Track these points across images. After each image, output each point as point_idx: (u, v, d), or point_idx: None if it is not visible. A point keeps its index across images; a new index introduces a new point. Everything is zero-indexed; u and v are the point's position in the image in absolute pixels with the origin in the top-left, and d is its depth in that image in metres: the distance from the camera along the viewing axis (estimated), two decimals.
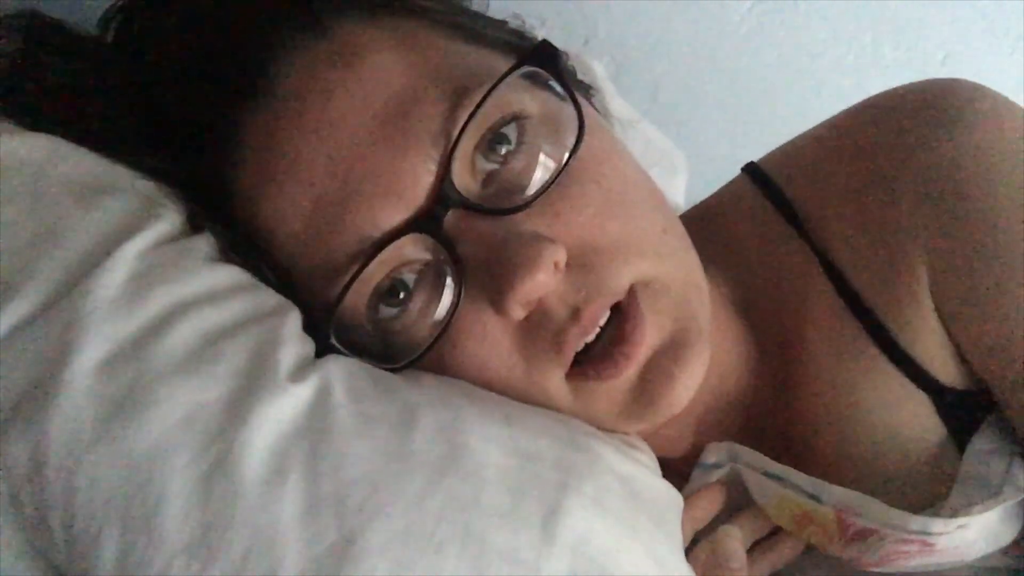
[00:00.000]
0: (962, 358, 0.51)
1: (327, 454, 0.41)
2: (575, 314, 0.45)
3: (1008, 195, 0.48)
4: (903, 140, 0.52)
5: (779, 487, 0.54)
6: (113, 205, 0.46)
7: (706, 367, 0.48)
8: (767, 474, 0.54)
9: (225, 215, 0.49)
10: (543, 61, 0.48)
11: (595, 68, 1.11)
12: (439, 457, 0.42)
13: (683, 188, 1.12)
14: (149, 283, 0.43)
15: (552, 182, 0.46)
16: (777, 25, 1.29)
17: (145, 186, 0.48)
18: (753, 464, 0.55)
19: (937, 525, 0.49)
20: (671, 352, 0.47)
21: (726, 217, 0.61)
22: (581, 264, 0.46)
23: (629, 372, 0.46)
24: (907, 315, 0.51)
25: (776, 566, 0.56)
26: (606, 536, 0.43)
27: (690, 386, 0.47)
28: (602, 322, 0.46)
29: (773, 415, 0.57)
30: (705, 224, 0.61)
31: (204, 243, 0.47)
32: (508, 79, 0.46)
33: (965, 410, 0.51)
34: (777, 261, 0.57)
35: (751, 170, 0.60)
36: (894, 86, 0.57)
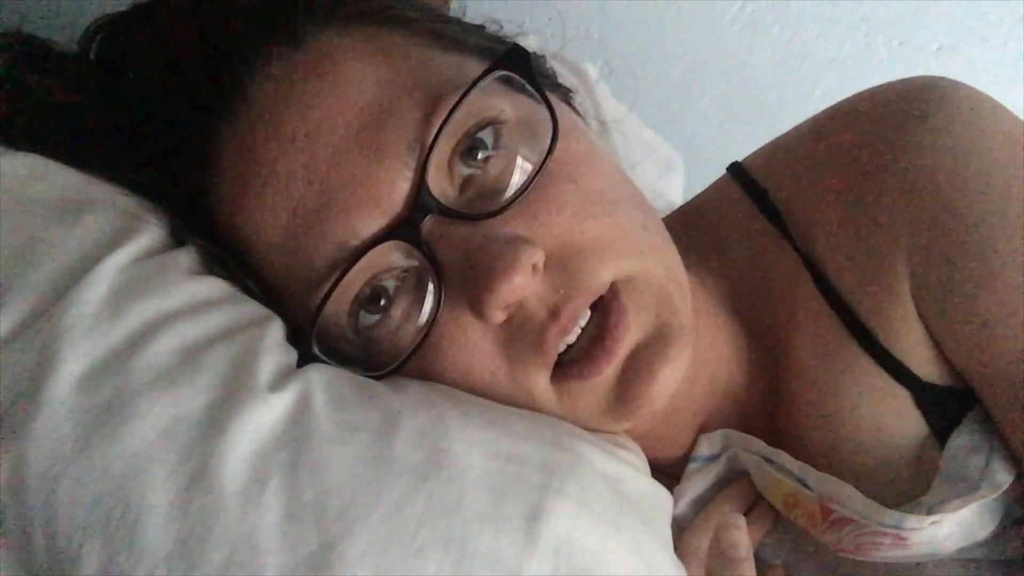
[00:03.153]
0: (943, 355, 0.51)
1: (307, 462, 0.41)
2: (554, 314, 0.45)
3: (986, 193, 0.48)
4: (882, 141, 0.52)
5: (772, 469, 0.54)
6: (94, 221, 0.46)
7: (687, 363, 0.48)
8: (761, 456, 0.55)
9: (207, 228, 0.49)
10: (514, 65, 0.48)
11: (588, 70, 1.11)
12: (421, 462, 0.42)
13: (680, 187, 1.13)
14: (129, 297, 0.44)
15: (528, 184, 0.46)
16: (769, 23, 1.30)
17: (127, 201, 0.48)
18: (749, 447, 0.56)
19: (910, 521, 0.49)
20: (652, 348, 0.47)
21: (712, 218, 0.61)
22: (560, 264, 0.46)
23: (610, 368, 0.46)
24: (888, 313, 0.51)
25: (755, 542, 0.56)
26: (590, 536, 0.43)
27: (671, 381, 0.47)
28: (583, 321, 0.46)
29: (763, 414, 0.57)
30: (691, 225, 0.61)
31: (186, 256, 0.48)
32: (482, 84, 0.47)
33: (946, 406, 0.51)
34: (763, 262, 0.57)
35: (735, 170, 0.61)
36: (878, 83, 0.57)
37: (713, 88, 1.37)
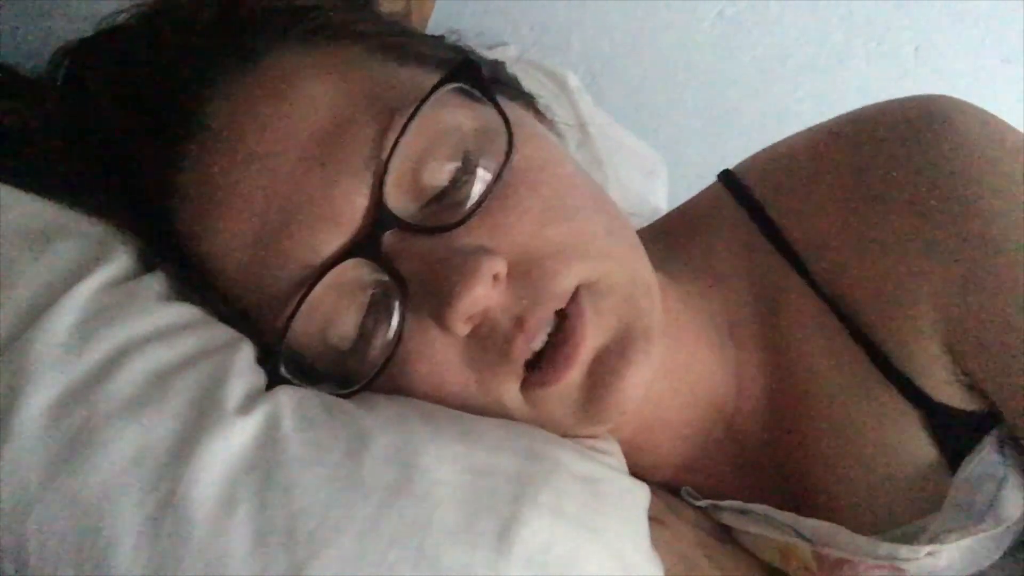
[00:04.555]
0: (961, 377, 0.51)
1: (276, 485, 0.41)
2: (519, 323, 0.45)
3: (997, 212, 0.48)
4: (891, 164, 0.52)
5: (759, 526, 0.54)
6: (63, 249, 0.46)
7: (655, 364, 0.48)
8: (743, 511, 0.55)
9: (174, 252, 0.49)
10: (465, 76, 0.48)
11: (569, 78, 1.11)
12: (391, 480, 0.42)
13: (663, 191, 1.13)
14: (98, 325, 0.44)
15: (486, 195, 0.46)
16: (749, 27, 1.30)
17: (95, 229, 0.48)
18: (731, 507, 0.56)
19: (904, 551, 0.49)
20: (617, 350, 0.47)
21: (701, 226, 0.61)
22: (523, 273, 0.46)
23: (574, 373, 0.46)
24: (901, 331, 0.51)
25: None
26: (565, 543, 0.43)
27: (638, 383, 0.47)
28: (549, 327, 0.46)
29: (762, 431, 0.57)
30: (679, 232, 0.61)
31: (155, 282, 0.48)
32: (436, 96, 0.47)
33: (960, 429, 0.51)
34: (757, 274, 0.57)
35: (728, 180, 0.60)
36: (871, 100, 0.56)
37: (694, 92, 1.37)
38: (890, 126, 0.53)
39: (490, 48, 1.26)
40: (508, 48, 1.25)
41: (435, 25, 1.19)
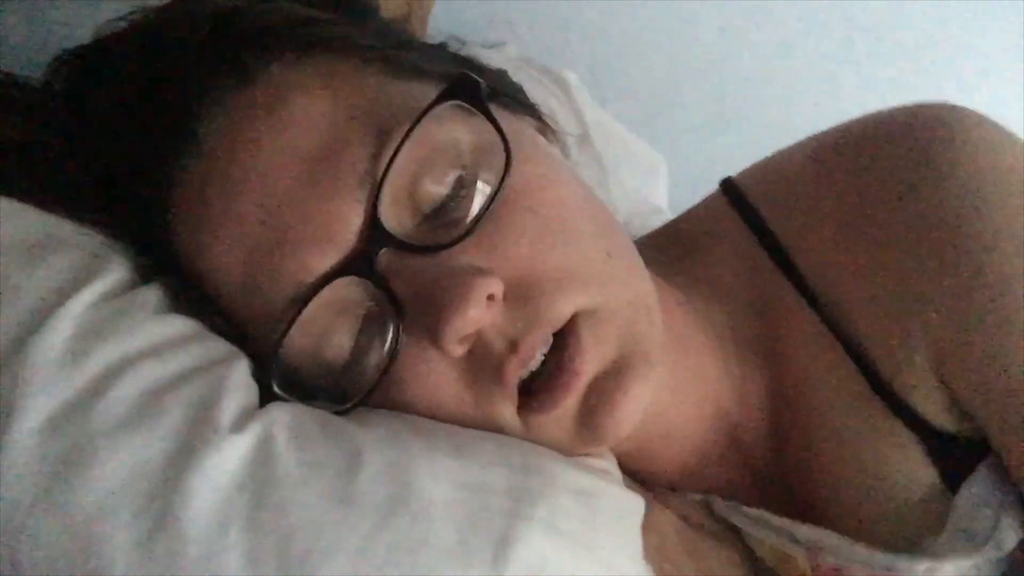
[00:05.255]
0: (957, 404, 0.50)
1: (269, 504, 0.40)
2: (513, 346, 0.45)
3: (1000, 236, 0.48)
4: (888, 179, 0.51)
5: (756, 527, 0.54)
6: (58, 261, 0.46)
7: (653, 390, 0.47)
8: (746, 516, 0.55)
9: (171, 266, 0.49)
10: (462, 93, 0.48)
11: (568, 78, 1.11)
12: (385, 498, 0.42)
13: (664, 190, 1.12)
14: (93, 340, 0.43)
15: (482, 214, 0.46)
16: (749, 26, 1.30)
17: (91, 241, 0.48)
18: (729, 510, 0.56)
19: (902, 563, 0.49)
20: (613, 377, 0.46)
21: (702, 238, 0.60)
22: (520, 295, 0.45)
23: (569, 401, 0.46)
24: (899, 355, 0.51)
25: None
26: (561, 559, 0.42)
27: (634, 410, 0.47)
28: (545, 348, 0.46)
29: (765, 445, 0.57)
30: (680, 244, 0.61)
31: (151, 294, 0.47)
32: (433, 112, 0.46)
33: (959, 455, 0.50)
34: (758, 289, 0.56)
35: (729, 190, 0.59)
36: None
37: (695, 91, 1.37)
38: (893, 144, 0.52)
39: (489, 48, 1.26)
40: (507, 47, 1.25)
41: (435, 23, 1.19)
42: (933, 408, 0.50)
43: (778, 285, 0.55)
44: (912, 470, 0.51)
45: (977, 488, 0.49)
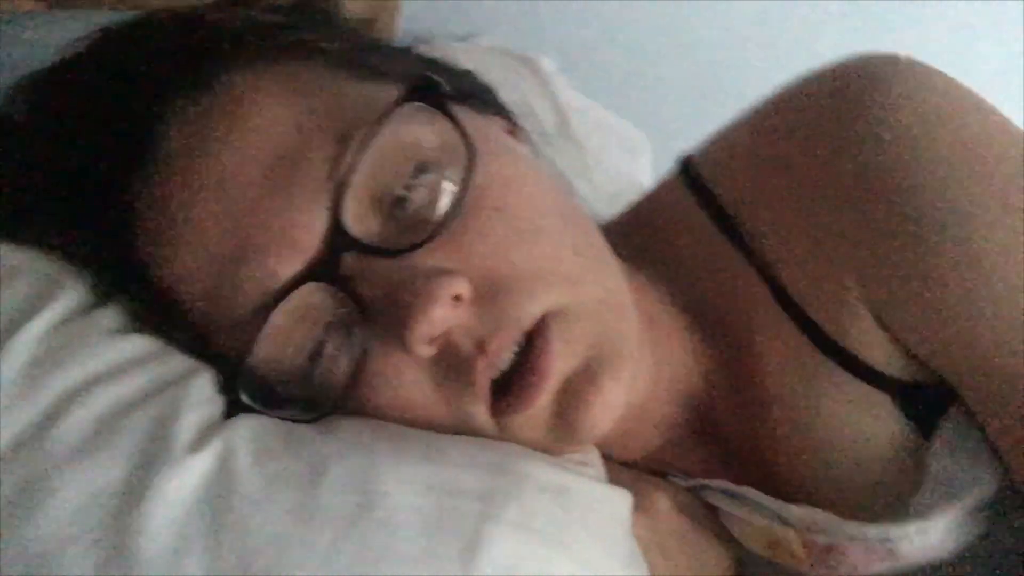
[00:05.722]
0: (912, 354, 0.50)
1: (229, 524, 0.40)
2: (480, 347, 0.45)
3: (927, 187, 0.47)
4: (820, 138, 0.50)
5: (746, 511, 0.53)
6: (12, 289, 0.45)
7: (627, 387, 0.47)
8: (731, 495, 0.54)
9: (131, 283, 0.48)
10: (424, 95, 0.47)
11: (543, 64, 1.10)
12: (349, 508, 0.41)
13: (648, 168, 1.12)
14: (48, 367, 0.43)
15: (447, 216, 0.45)
16: None
17: (45, 266, 0.48)
18: (717, 487, 0.55)
19: (894, 532, 0.48)
20: (585, 376, 0.46)
21: (660, 220, 0.60)
22: (487, 296, 0.45)
23: (540, 401, 0.46)
24: (848, 317, 0.50)
25: None
26: (533, 560, 0.42)
27: (609, 408, 0.47)
28: (513, 351, 0.46)
29: (733, 421, 0.56)
30: (641, 228, 0.60)
31: (109, 316, 0.47)
32: (395, 114, 0.46)
33: (928, 403, 0.50)
34: (713, 267, 0.56)
35: (684, 167, 0.59)
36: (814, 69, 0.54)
37: (673, 65, 1.37)
38: (823, 97, 0.52)
39: (462, 40, 1.26)
40: (480, 38, 1.24)
41: (406, 18, 1.18)
42: (890, 361, 0.50)
43: (731, 259, 0.54)
44: (886, 428, 0.51)
45: (950, 434, 0.49)
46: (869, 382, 0.50)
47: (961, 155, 0.47)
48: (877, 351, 0.50)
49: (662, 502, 0.54)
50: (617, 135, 1.11)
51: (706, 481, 0.55)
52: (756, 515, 0.53)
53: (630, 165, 1.09)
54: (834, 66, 0.53)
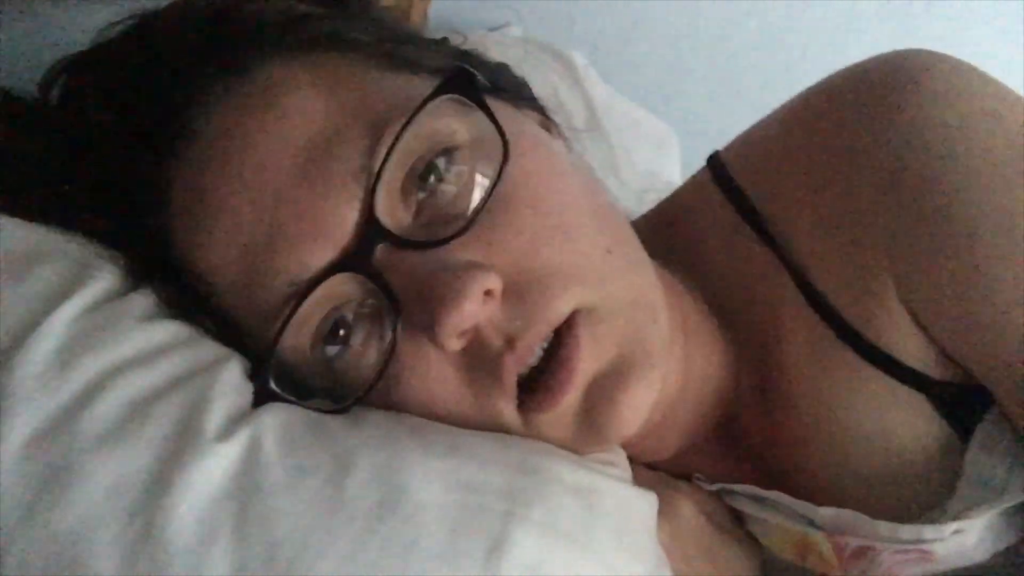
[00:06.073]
0: (948, 354, 0.49)
1: (255, 513, 0.40)
2: (510, 343, 0.44)
3: (967, 186, 0.46)
4: (853, 134, 0.50)
5: (774, 514, 0.53)
6: (44, 273, 0.45)
7: (656, 387, 0.47)
8: (758, 499, 0.54)
9: (164, 268, 0.48)
10: (459, 87, 0.47)
11: (575, 58, 1.10)
12: (375, 502, 0.41)
13: (676, 163, 1.12)
14: (79, 351, 0.43)
15: (480, 209, 0.45)
16: None
17: (78, 250, 0.48)
18: (744, 492, 0.54)
19: (929, 532, 0.47)
20: (614, 376, 0.45)
21: (689, 218, 0.59)
22: (519, 292, 0.45)
23: (567, 399, 0.45)
24: (881, 316, 0.49)
25: None
26: (558, 561, 0.42)
27: (638, 408, 0.46)
28: (542, 347, 0.45)
29: (759, 422, 0.56)
30: (670, 225, 0.60)
31: (140, 301, 0.47)
32: (429, 107, 0.46)
33: (965, 403, 0.49)
34: (743, 264, 0.55)
35: (713, 164, 0.58)
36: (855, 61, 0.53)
37: (702, 60, 1.36)
38: (855, 94, 0.51)
39: (492, 30, 1.26)
40: (511, 29, 1.24)
41: (436, 8, 1.18)
42: (928, 361, 0.49)
43: (761, 257, 0.54)
44: (921, 429, 0.50)
45: (987, 436, 0.48)
46: (904, 382, 0.50)
47: (1000, 154, 0.46)
48: (914, 351, 0.49)
49: (686, 507, 0.54)
50: (646, 130, 1.11)
51: (732, 486, 0.55)
52: (784, 518, 0.52)
53: (659, 161, 1.08)
54: (866, 63, 0.52)
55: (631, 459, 0.52)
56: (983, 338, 0.46)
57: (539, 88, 0.60)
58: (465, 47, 0.57)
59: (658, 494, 0.50)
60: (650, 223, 0.61)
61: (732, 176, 0.56)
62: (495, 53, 0.60)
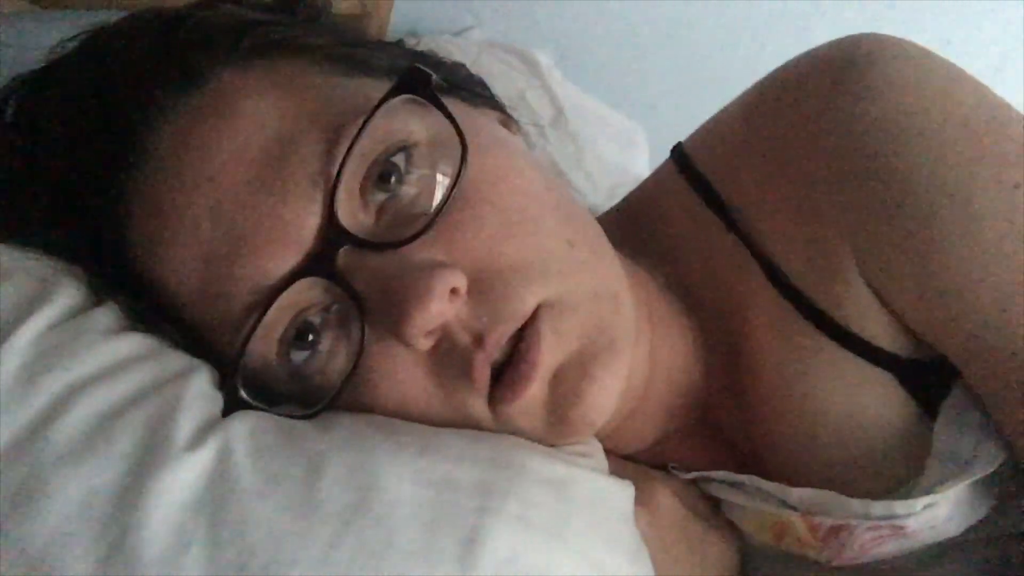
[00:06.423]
0: (912, 331, 0.50)
1: (227, 521, 0.40)
2: (478, 341, 0.44)
3: (920, 163, 0.47)
4: (809, 119, 0.50)
5: (750, 499, 0.53)
6: (6, 291, 0.45)
7: (621, 378, 0.47)
8: (734, 484, 0.54)
9: (126, 282, 0.48)
10: (414, 87, 0.47)
11: (539, 58, 1.10)
12: (347, 504, 0.41)
13: (644, 159, 1.12)
14: (41, 369, 0.43)
15: (440, 209, 0.45)
16: None
17: (39, 267, 0.47)
18: (719, 478, 0.55)
19: (900, 507, 0.47)
20: (578, 367, 0.46)
21: (656, 209, 0.59)
22: (483, 289, 0.45)
23: (531, 391, 0.45)
24: (846, 296, 0.50)
25: None
26: (534, 553, 0.42)
27: (603, 398, 0.46)
28: (508, 344, 0.45)
29: (730, 409, 0.56)
30: (636, 218, 0.60)
31: (104, 315, 0.46)
32: (385, 108, 0.45)
33: (932, 379, 0.49)
34: (709, 253, 0.56)
35: (677, 155, 0.59)
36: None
37: (665, 55, 1.37)
38: (811, 80, 0.51)
39: (456, 33, 1.26)
40: (473, 32, 1.24)
41: (398, 15, 1.18)
42: (893, 338, 0.50)
43: (725, 242, 0.54)
44: (890, 407, 0.50)
45: (954, 410, 0.49)
46: (870, 360, 0.50)
47: (954, 130, 0.47)
48: (878, 329, 0.50)
49: (663, 496, 0.54)
50: (613, 127, 1.11)
51: (707, 473, 0.55)
52: (759, 502, 0.53)
53: (626, 157, 1.09)
54: (819, 48, 0.53)
55: (608, 452, 0.52)
56: (945, 310, 0.47)
57: (505, 90, 0.60)
58: (420, 48, 0.57)
59: (635, 484, 0.50)
60: (617, 215, 0.62)
61: (696, 166, 0.56)
62: (459, 57, 0.60)
